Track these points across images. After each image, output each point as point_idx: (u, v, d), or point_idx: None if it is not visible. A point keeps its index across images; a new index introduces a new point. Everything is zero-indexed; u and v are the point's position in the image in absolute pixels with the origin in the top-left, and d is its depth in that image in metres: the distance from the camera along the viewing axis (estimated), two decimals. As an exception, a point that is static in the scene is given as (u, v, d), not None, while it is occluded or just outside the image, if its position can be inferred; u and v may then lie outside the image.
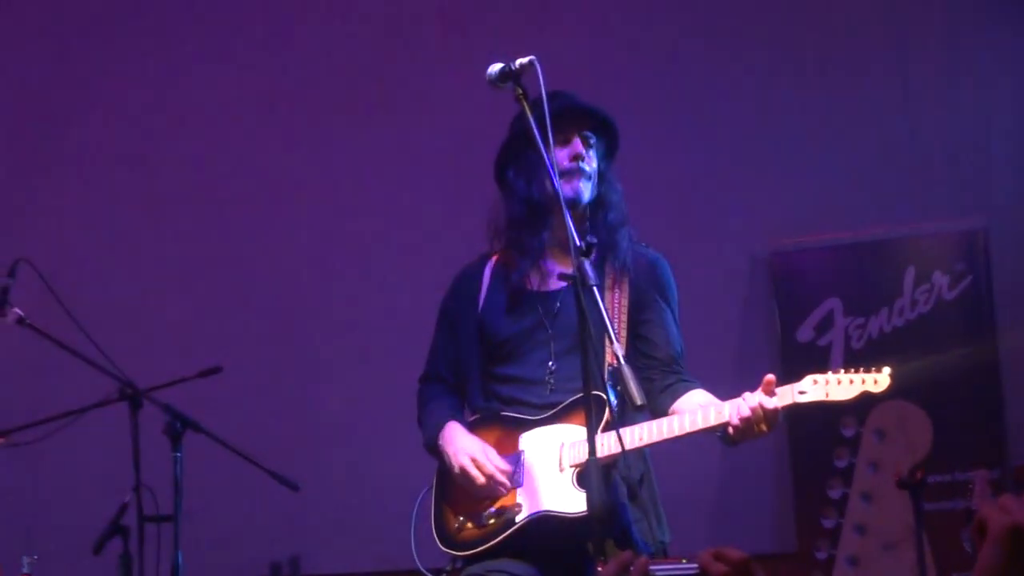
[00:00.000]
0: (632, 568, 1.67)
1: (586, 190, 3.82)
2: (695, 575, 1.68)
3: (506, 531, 3.66)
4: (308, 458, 5.73)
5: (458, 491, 3.79)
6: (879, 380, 3.69)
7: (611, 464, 3.64)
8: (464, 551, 3.73)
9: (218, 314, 6.25)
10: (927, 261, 5.71)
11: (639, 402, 3.02)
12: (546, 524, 3.62)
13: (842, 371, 3.64)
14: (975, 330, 5.65)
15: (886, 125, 6.13)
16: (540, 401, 3.77)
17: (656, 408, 3.75)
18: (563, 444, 3.68)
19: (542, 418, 3.74)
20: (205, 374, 4.78)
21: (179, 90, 6.50)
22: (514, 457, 3.74)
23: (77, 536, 4.57)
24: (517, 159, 3.86)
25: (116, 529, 4.44)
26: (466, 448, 3.74)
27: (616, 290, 3.83)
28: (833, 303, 5.73)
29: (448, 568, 3.76)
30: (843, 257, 5.82)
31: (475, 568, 3.69)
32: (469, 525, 3.75)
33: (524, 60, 3.40)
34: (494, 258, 3.99)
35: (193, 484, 4.51)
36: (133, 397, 4.52)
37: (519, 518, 3.66)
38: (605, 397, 3.57)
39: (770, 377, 3.54)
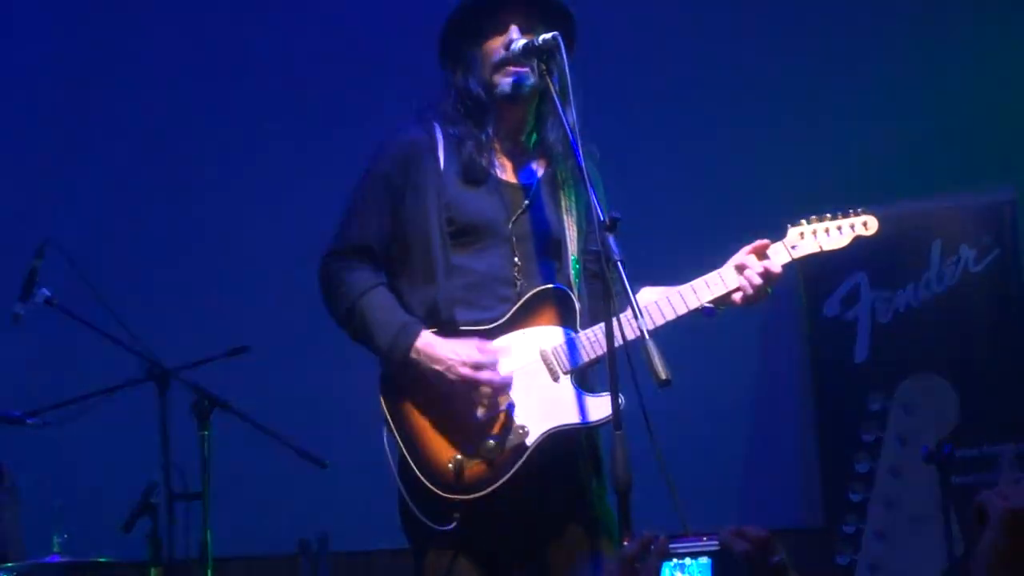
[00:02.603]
0: (653, 547, 1.68)
1: (526, 77, 3.46)
2: (717, 552, 1.68)
3: (521, 458, 3.34)
4: (336, 435, 5.74)
5: (439, 425, 3.40)
6: (868, 223, 3.62)
7: (596, 361, 3.43)
8: (477, 492, 3.33)
9: (245, 293, 6.27)
10: (954, 234, 5.68)
11: (663, 377, 2.93)
12: (560, 439, 3.38)
13: (821, 218, 3.60)
14: (1002, 303, 5.62)
15: (912, 97, 6.09)
16: (499, 302, 3.45)
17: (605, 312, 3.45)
18: (544, 351, 3.42)
19: (498, 326, 3.43)
20: (233, 353, 4.80)
21: (205, 73, 6.51)
22: None
23: (107, 515, 4.60)
24: (453, 50, 3.57)
25: (145, 507, 4.47)
26: (461, 355, 3.34)
27: (568, 200, 3.58)
28: (859, 277, 5.71)
29: (457, 516, 3.32)
30: (869, 230, 5.79)
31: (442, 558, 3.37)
32: (469, 462, 3.35)
33: (547, 36, 3.39)
34: (438, 126, 3.55)
35: (221, 462, 4.54)
36: (161, 377, 4.54)
37: (530, 440, 3.35)
38: (570, 292, 3.45)
39: (765, 241, 3.52)
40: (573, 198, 3.58)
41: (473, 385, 3.35)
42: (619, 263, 3.06)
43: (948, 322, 5.62)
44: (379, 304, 3.48)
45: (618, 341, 3.13)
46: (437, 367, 3.37)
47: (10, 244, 5.52)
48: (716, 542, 1.68)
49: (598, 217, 3.14)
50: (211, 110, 6.47)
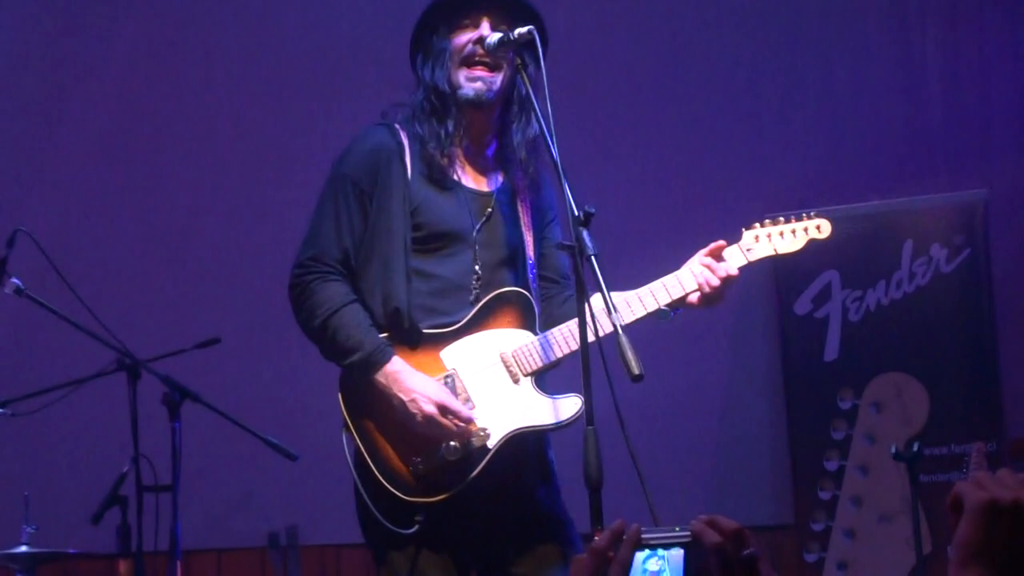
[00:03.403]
0: (625, 537, 1.67)
1: (492, 84, 3.51)
2: (688, 543, 1.68)
3: (483, 460, 3.36)
4: (306, 428, 5.74)
5: (400, 427, 3.39)
6: (822, 227, 3.69)
7: (560, 361, 3.47)
8: (440, 495, 3.35)
9: (217, 285, 6.24)
10: (925, 234, 5.70)
11: (636, 372, 2.94)
12: (517, 442, 3.41)
13: (775, 221, 3.64)
14: (973, 303, 5.65)
15: (885, 96, 6.11)
16: (459, 308, 3.47)
17: (558, 317, 3.52)
18: (503, 353, 3.44)
19: (456, 329, 3.45)
20: (203, 345, 4.79)
21: (178, 62, 6.48)
22: (447, 380, 3.43)
23: (76, 506, 4.59)
24: (424, 45, 3.59)
25: (115, 499, 4.45)
26: (428, 393, 3.36)
27: (524, 208, 3.61)
28: (831, 275, 5.72)
29: (419, 519, 3.34)
30: (841, 229, 5.78)
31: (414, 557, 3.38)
32: (431, 464, 3.36)
33: (523, 29, 3.39)
34: (403, 129, 3.58)
35: (191, 454, 4.52)
36: (131, 368, 4.52)
37: (492, 443, 3.37)
38: (528, 294, 3.49)
39: (721, 243, 3.55)
40: (529, 206, 3.61)
41: (434, 423, 3.35)
42: (593, 258, 3.07)
43: (918, 322, 5.63)
44: (351, 322, 3.45)
45: (591, 337, 3.13)
46: (402, 396, 3.37)
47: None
48: (688, 534, 1.67)
49: (572, 212, 3.15)
50: (183, 100, 6.43)
